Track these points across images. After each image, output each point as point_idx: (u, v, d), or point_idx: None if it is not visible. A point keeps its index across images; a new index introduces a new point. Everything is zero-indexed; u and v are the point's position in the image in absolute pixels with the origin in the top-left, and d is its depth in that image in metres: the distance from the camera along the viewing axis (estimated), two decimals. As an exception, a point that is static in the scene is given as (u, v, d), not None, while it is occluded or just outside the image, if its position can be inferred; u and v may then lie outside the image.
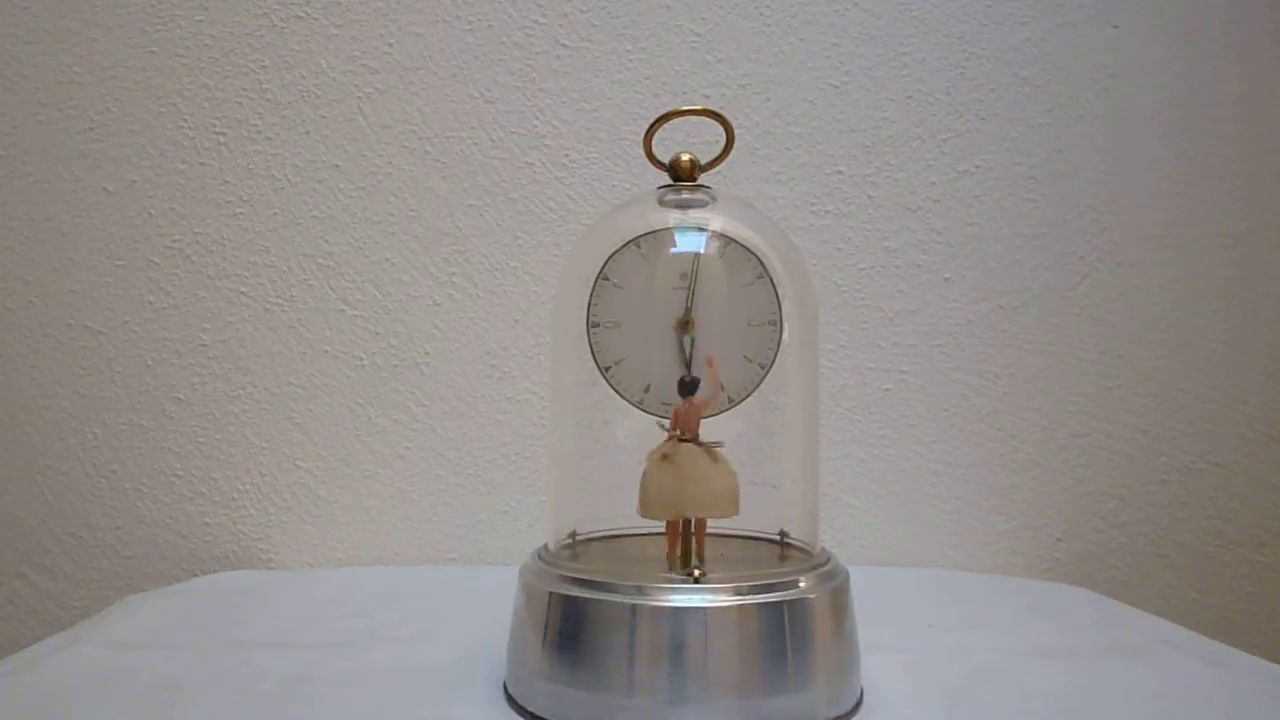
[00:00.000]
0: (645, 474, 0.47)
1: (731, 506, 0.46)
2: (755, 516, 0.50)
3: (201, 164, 0.76)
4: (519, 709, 0.44)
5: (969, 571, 0.76)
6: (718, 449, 0.46)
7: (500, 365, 0.77)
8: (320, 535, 0.77)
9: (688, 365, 0.47)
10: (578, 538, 0.51)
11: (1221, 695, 0.48)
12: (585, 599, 0.43)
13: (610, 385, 0.48)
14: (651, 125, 0.49)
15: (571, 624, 0.43)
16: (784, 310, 0.48)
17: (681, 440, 0.46)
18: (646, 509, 0.47)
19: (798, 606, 0.43)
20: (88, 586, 0.76)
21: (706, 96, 0.77)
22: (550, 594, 0.44)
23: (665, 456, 0.47)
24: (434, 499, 0.77)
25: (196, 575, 0.75)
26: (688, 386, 0.47)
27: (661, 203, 0.50)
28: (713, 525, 0.48)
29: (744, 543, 0.51)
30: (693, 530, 0.47)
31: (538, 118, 0.77)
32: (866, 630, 0.46)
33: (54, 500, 0.76)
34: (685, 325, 0.47)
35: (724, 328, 0.48)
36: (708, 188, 0.50)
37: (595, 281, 0.48)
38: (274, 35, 0.76)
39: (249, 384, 0.77)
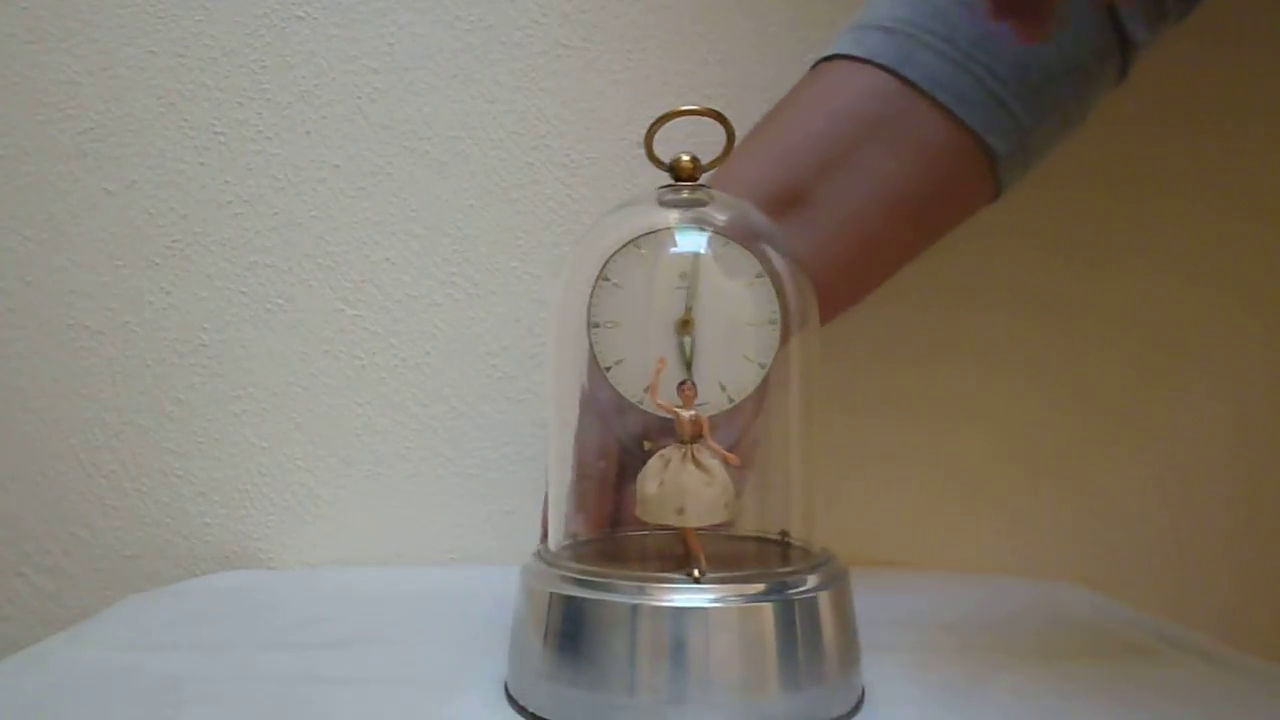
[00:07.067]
0: (640, 477, 0.45)
1: (725, 513, 0.45)
2: (755, 516, 0.50)
3: (201, 164, 0.76)
4: (519, 709, 0.44)
5: (969, 571, 0.76)
6: (717, 452, 0.45)
7: (500, 365, 0.77)
8: (320, 535, 0.77)
9: (688, 366, 0.47)
10: (578, 538, 0.51)
11: (1222, 695, 0.48)
12: (586, 599, 0.43)
13: (611, 385, 0.48)
14: (652, 125, 0.49)
15: (572, 624, 0.43)
16: (784, 309, 0.48)
17: (683, 445, 0.45)
18: (641, 511, 0.46)
19: (799, 606, 0.43)
20: (88, 586, 0.76)
21: (706, 96, 0.77)
22: (551, 594, 0.44)
23: (663, 460, 0.45)
24: (434, 499, 0.77)
25: (196, 575, 0.75)
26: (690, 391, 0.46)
27: (661, 202, 0.50)
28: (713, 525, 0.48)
29: (744, 542, 0.51)
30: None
31: (538, 118, 0.77)
32: (867, 630, 0.47)
33: (54, 500, 0.76)
34: (685, 325, 0.47)
35: (724, 327, 0.48)
36: (708, 188, 0.50)
37: (595, 281, 0.48)
38: (274, 35, 0.76)
39: (249, 384, 0.77)
